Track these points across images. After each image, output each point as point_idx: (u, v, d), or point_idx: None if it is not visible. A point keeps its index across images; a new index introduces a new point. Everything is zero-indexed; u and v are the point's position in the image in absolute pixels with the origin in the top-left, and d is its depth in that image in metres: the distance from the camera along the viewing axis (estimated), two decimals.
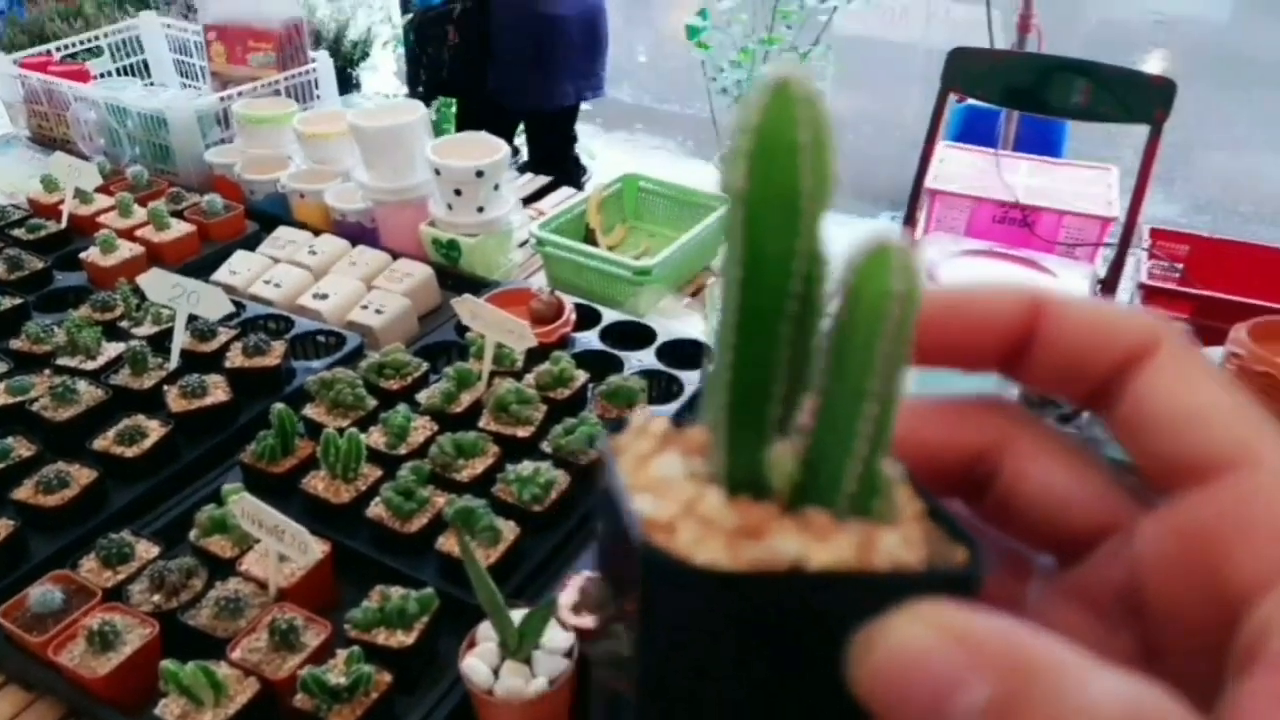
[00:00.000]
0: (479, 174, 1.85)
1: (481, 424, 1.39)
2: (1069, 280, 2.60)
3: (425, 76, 3.71)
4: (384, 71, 6.05)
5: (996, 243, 3.05)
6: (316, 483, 1.28)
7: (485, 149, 1.91)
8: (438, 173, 1.86)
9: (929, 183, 3.08)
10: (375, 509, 1.24)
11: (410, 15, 3.68)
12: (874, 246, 0.25)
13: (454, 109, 4.25)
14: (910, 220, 3.26)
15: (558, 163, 3.68)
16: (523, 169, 3.15)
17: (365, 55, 5.77)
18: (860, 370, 0.25)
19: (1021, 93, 3.08)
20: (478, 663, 1.03)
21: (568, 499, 1.30)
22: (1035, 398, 1.53)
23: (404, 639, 1.09)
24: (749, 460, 0.27)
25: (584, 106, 3.91)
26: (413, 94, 4.77)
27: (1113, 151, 3.70)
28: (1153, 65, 6.32)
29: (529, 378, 1.49)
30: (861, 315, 0.25)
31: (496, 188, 1.91)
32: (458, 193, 1.87)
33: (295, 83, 2.52)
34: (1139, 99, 2.87)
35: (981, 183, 3.13)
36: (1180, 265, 3.37)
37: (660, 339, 1.71)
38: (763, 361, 0.26)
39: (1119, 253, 2.95)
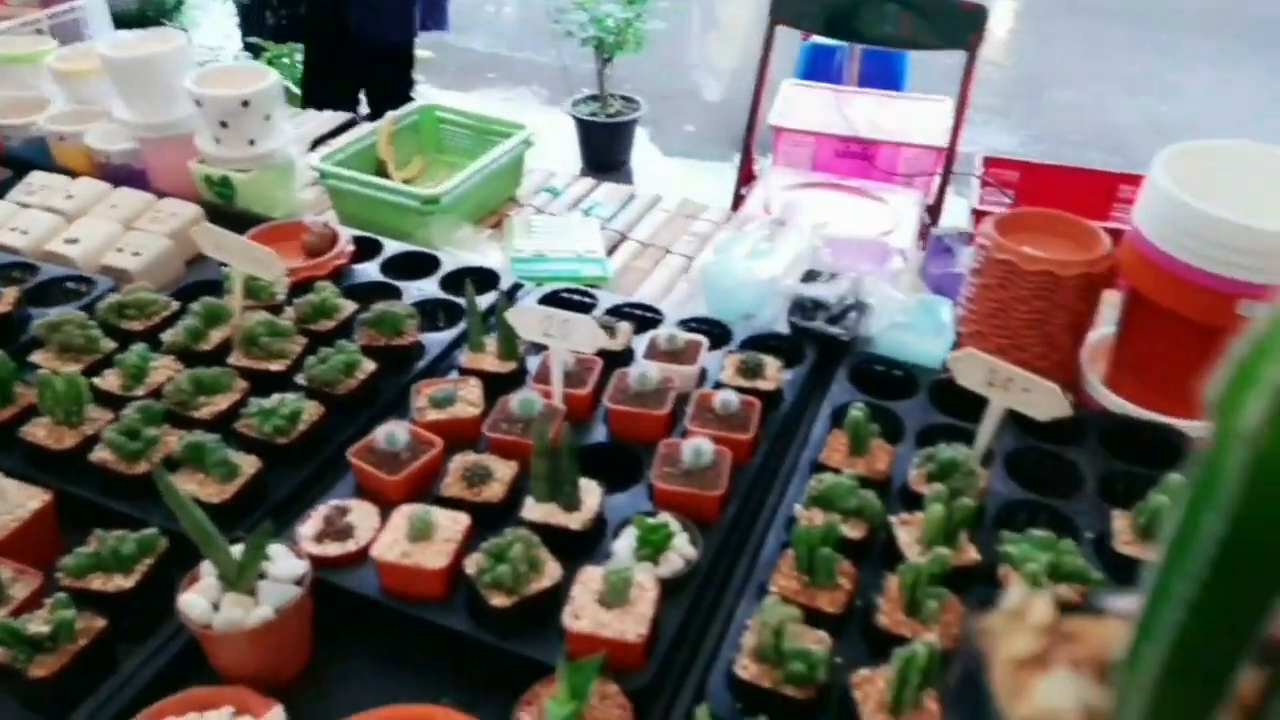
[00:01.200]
0: (244, 104, 1.73)
1: (231, 360, 1.31)
2: (900, 208, 2.66)
3: (278, 19, 3.53)
4: (209, 25, 5.67)
5: (839, 176, 3.11)
6: (37, 430, 1.18)
7: (252, 77, 1.79)
8: (199, 104, 1.73)
9: (774, 120, 3.09)
10: (99, 453, 1.15)
11: None
12: None
13: (289, 60, 4.05)
14: (747, 157, 3.27)
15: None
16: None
17: (180, 3, 5.39)
18: None
19: (844, 22, 3.12)
20: (195, 598, 0.97)
21: (319, 431, 1.24)
22: (809, 302, 1.55)
23: (123, 583, 1.02)
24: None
25: (434, 56, 3.77)
26: (247, 44, 4.50)
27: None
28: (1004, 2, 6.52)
29: (289, 310, 1.41)
30: None
31: (268, 119, 1.79)
32: (224, 125, 1.75)
33: (60, 21, 2.32)
34: (954, 25, 2.93)
35: (825, 119, 3.16)
36: (1011, 191, 3.51)
37: (446, 268, 1.66)
38: (1237, 635, 0.21)
39: (942, 179, 3.04)
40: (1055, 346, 1.36)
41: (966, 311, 1.44)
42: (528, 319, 1.25)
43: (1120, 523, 1.12)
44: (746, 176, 3.27)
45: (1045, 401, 1.11)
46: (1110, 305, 1.44)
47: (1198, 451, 0.22)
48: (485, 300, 1.50)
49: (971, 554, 1.08)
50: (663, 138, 5.21)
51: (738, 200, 3.12)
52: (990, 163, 3.53)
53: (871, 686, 0.93)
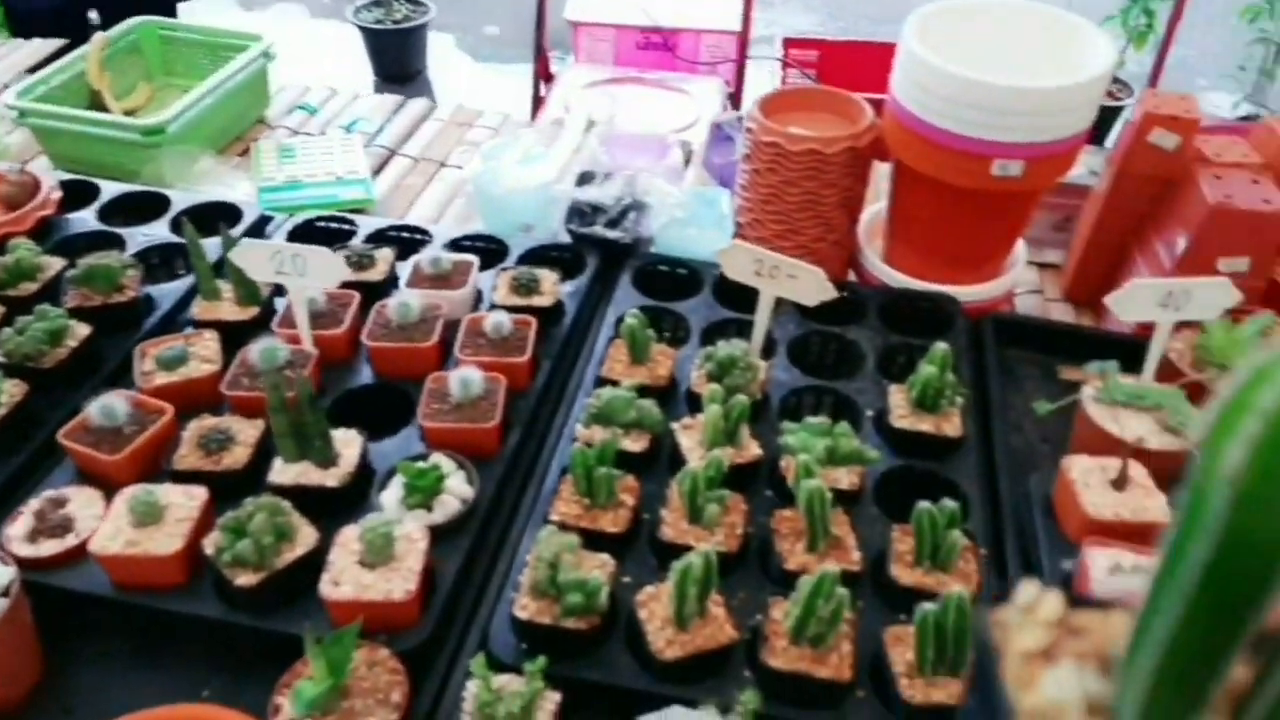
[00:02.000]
0: None
1: None
2: (701, 96, 2.58)
3: None
4: None
5: (642, 69, 2.98)
6: None
7: None
8: None
9: (570, 14, 2.91)
10: None
11: None
12: None
13: None
14: (540, 55, 3.10)
15: None
16: None
17: None
18: None
19: None
20: None
21: (23, 413, 1.07)
22: (586, 207, 1.46)
23: None
24: (1168, 715, 0.25)
25: None
26: None
27: None
28: None
29: None
30: None
31: None
32: None
33: None
34: None
35: (623, 10, 3.01)
36: (813, 71, 3.49)
37: (177, 207, 1.46)
38: (1219, 641, 0.24)
39: (738, 63, 2.97)
40: (831, 226, 1.34)
41: (743, 200, 1.40)
42: (256, 257, 1.10)
43: (896, 397, 1.12)
44: (544, 76, 3.11)
45: (811, 286, 1.08)
46: (884, 178, 1.43)
47: (1187, 482, 0.25)
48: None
49: (754, 450, 1.05)
50: (465, 42, 4.90)
51: (538, 103, 2.97)
52: (790, 44, 3.49)
53: (657, 604, 0.89)
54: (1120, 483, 0.96)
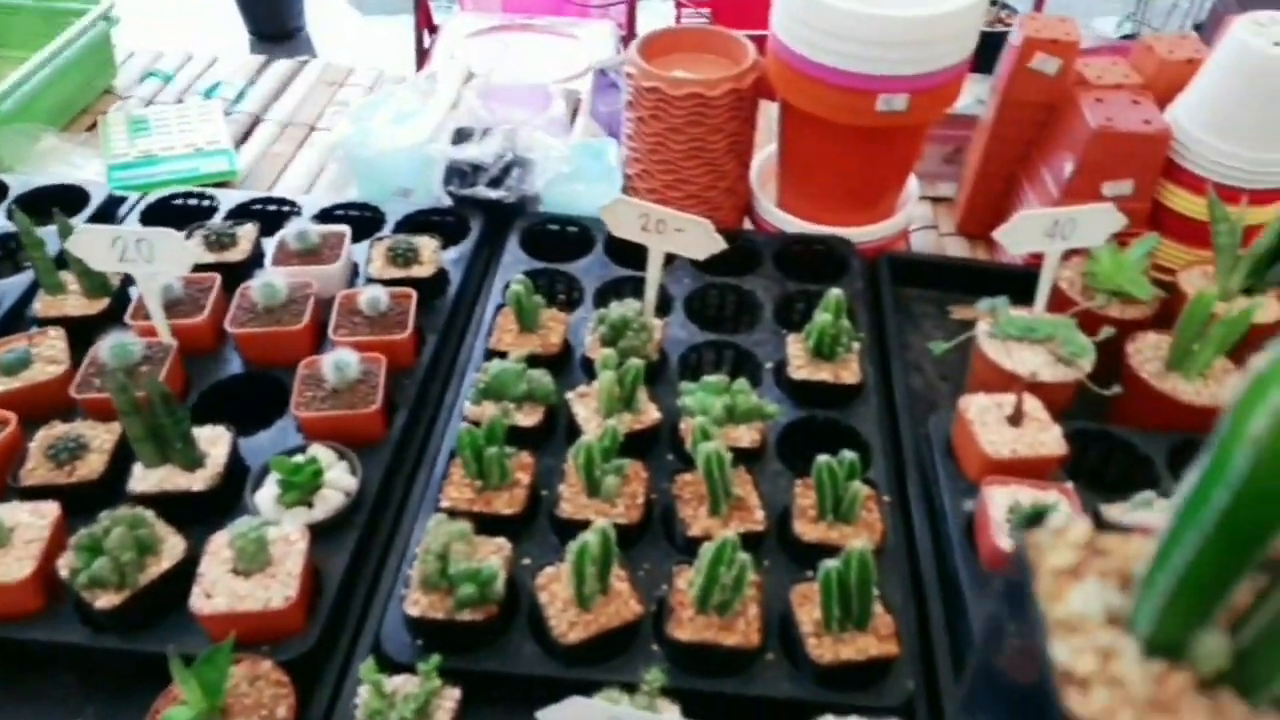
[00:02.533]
0: None
1: None
2: (592, 41, 2.48)
3: None
4: None
5: (531, 14, 2.86)
6: None
7: None
8: None
9: None
10: None
11: None
12: None
13: None
14: (419, 2, 2.95)
15: None
16: None
17: None
18: None
19: None
20: None
21: None
22: (465, 167, 1.38)
23: None
24: (1178, 630, 0.30)
25: None
26: None
27: None
28: None
29: None
30: None
31: None
32: None
33: None
34: None
35: None
36: (708, 10, 3.41)
37: (14, 193, 1.33)
38: (1229, 572, 0.29)
39: (629, 4, 2.88)
40: (721, 173, 1.29)
41: (629, 150, 1.34)
42: (95, 245, 1.00)
43: (794, 348, 1.10)
44: (427, 26, 2.96)
45: (700, 239, 1.04)
46: (774, 120, 1.38)
47: (1215, 437, 0.28)
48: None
49: (653, 414, 1.02)
50: None
51: (422, 56, 2.83)
52: None
53: (558, 585, 0.85)
54: (1016, 418, 0.96)
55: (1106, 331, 1.04)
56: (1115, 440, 1.03)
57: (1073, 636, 0.29)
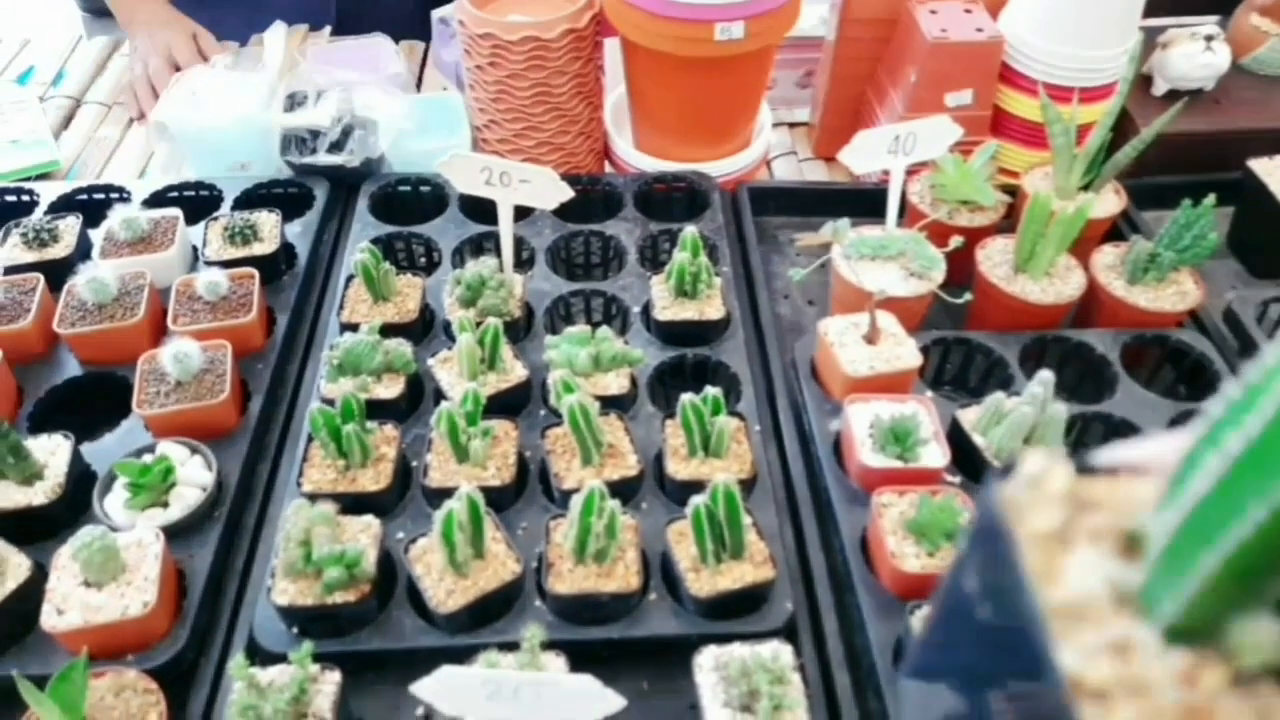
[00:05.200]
0: None
1: None
2: None
3: None
4: None
5: None
6: None
7: None
8: None
9: None
10: None
11: None
12: None
13: None
14: None
15: None
16: None
17: None
18: None
19: None
20: None
21: None
22: (302, 133, 1.32)
23: None
24: (1213, 614, 0.23)
25: None
26: None
27: None
28: None
29: None
30: None
31: None
32: None
33: None
34: None
35: None
36: None
37: None
38: None
39: None
40: (571, 117, 1.26)
41: (474, 100, 1.29)
42: None
43: (658, 289, 1.09)
44: None
45: (548, 189, 1.01)
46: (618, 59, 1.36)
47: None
48: None
49: (519, 372, 1.00)
50: None
51: None
52: None
53: (434, 555, 0.84)
54: (872, 336, 0.97)
55: (956, 241, 1.07)
56: (972, 345, 1.06)
57: (1079, 629, 0.23)
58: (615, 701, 0.66)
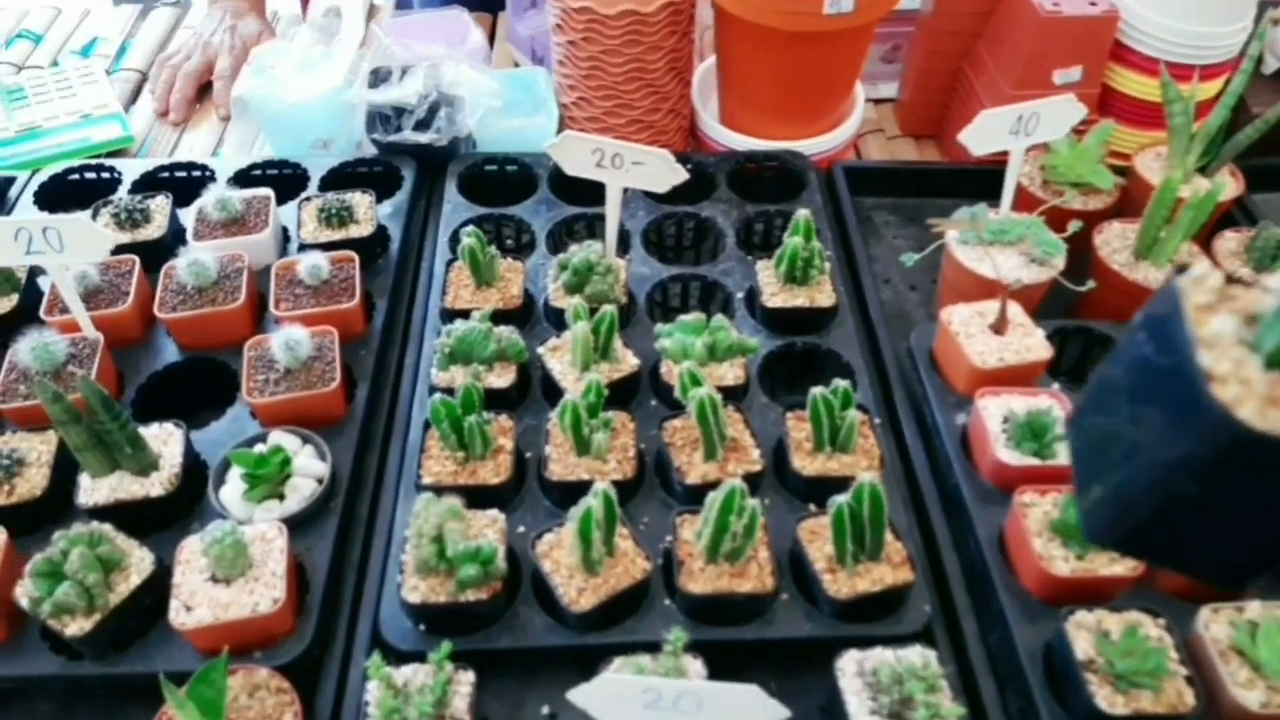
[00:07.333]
0: None
1: None
2: None
3: None
4: None
5: None
6: None
7: None
8: None
9: None
10: None
11: None
12: None
13: None
14: None
15: None
16: None
17: None
18: None
19: None
20: None
21: None
22: (387, 111, 1.28)
23: None
24: None
25: None
26: None
27: None
28: None
29: None
30: None
31: None
32: None
33: None
34: None
35: None
36: None
37: None
38: None
39: None
40: (663, 94, 1.23)
41: (562, 77, 1.26)
42: None
43: (765, 275, 1.06)
44: None
45: (662, 171, 0.98)
46: (709, 32, 1.31)
47: None
48: None
49: (631, 361, 0.97)
50: None
51: None
52: None
53: (560, 551, 0.82)
54: (1000, 326, 0.94)
55: (1075, 226, 1.03)
56: (1094, 335, 1.03)
57: (1213, 349, 0.37)
58: (779, 712, 0.64)
